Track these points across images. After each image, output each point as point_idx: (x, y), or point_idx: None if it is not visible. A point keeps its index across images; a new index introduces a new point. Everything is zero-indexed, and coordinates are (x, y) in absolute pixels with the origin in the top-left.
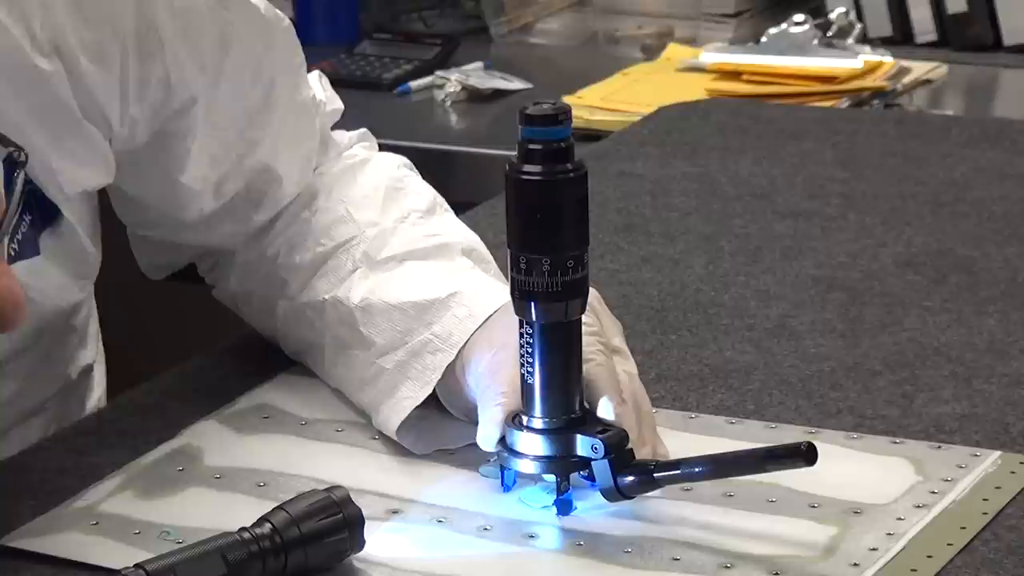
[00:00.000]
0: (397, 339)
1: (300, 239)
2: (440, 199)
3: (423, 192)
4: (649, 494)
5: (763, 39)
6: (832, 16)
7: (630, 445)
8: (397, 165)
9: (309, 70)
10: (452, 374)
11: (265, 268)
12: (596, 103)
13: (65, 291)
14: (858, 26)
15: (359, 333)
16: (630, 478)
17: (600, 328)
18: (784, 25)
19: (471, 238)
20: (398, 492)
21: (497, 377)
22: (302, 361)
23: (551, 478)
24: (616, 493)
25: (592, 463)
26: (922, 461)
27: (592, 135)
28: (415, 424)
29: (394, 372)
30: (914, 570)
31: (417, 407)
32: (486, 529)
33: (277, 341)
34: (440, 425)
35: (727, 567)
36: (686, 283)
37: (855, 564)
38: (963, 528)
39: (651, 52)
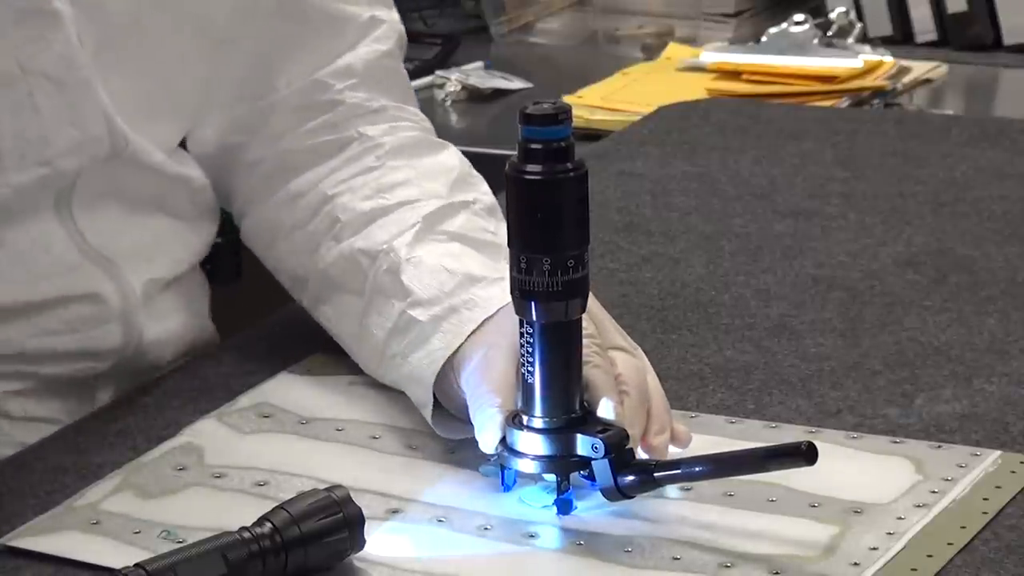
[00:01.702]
0: (436, 296)
1: (362, 184)
2: (499, 208)
3: (489, 192)
4: (649, 494)
5: (763, 39)
6: (832, 16)
7: (639, 436)
8: (469, 164)
9: None
10: (446, 375)
11: (319, 202)
12: (596, 103)
13: None
14: (858, 26)
15: (399, 282)
16: (630, 478)
17: (595, 330)
18: (784, 25)
19: None
20: (398, 492)
21: (487, 376)
22: (326, 310)
23: (551, 477)
24: (616, 493)
25: (592, 463)
26: (922, 460)
27: (592, 135)
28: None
29: (427, 325)
30: (914, 569)
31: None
32: (486, 529)
33: (301, 281)
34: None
35: (727, 566)
36: (686, 283)
37: (855, 563)
38: (963, 527)
39: (651, 52)
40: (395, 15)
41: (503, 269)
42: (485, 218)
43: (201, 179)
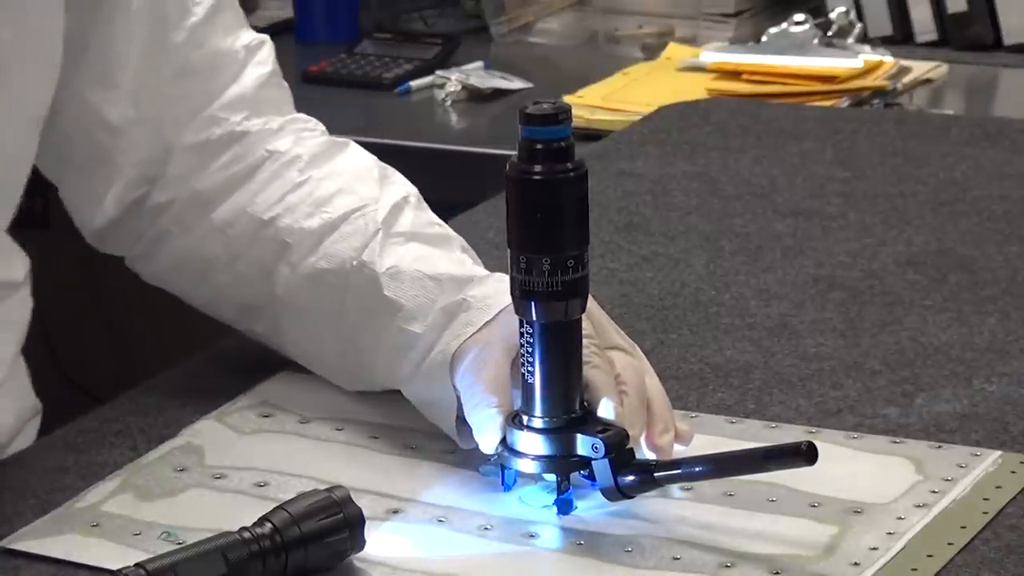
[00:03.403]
0: (426, 305)
1: (298, 202)
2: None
3: (407, 182)
4: (649, 494)
5: (763, 39)
6: (832, 15)
7: (639, 436)
8: (375, 157)
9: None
10: None
11: (258, 229)
12: (596, 103)
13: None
14: (858, 25)
15: (384, 298)
16: (630, 477)
17: (593, 330)
18: (784, 25)
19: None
20: (398, 492)
21: (480, 375)
22: (294, 335)
23: (551, 477)
24: (616, 492)
25: (592, 462)
26: (922, 460)
27: (592, 135)
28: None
29: (428, 335)
30: (914, 569)
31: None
32: (486, 529)
33: (251, 310)
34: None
35: (727, 566)
36: (686, 282)
37: (855, 563)
38: (963, 527)
39: (651, 52)
40: (250, 29)
41: (468, 263)
42: (423, 210)
43: (26, 265)
